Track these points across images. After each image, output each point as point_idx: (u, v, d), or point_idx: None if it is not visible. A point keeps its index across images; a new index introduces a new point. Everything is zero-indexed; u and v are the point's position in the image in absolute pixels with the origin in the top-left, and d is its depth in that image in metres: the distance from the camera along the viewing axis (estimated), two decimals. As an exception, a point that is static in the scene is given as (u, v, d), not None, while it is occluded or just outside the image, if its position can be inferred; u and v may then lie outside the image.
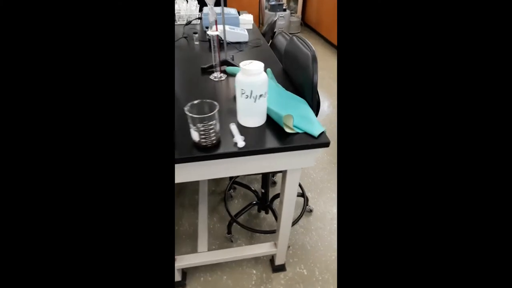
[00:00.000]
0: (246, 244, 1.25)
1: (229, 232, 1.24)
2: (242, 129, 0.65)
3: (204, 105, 0.58)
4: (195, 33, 1.22)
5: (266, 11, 3.72)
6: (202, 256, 1.03)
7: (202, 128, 0.55)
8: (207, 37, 1.23)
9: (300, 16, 4.05)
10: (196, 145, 0.59)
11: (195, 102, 0.57)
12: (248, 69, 0.57)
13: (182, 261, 1.00)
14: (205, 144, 0.58)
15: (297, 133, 0.64)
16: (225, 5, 2.77)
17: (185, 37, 1.27)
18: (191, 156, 0.58)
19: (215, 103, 0.57)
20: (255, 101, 0.61)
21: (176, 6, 1.47)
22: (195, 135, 0.57)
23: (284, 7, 3.72)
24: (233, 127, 0.64)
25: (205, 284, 1.10)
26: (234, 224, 1.28)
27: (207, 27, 1.27)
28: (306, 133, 0.64)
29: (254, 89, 0.59)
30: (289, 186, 0.76)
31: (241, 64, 0.59)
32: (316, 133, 0.62)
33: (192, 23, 1.43)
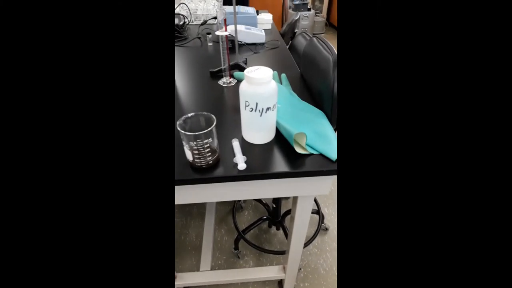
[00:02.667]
0: (253, 261, 1.16)
1: (236, 247, 1.15)
2: (247, 146, 0.56)
3: (200, 118, 0.49)
4: (209, 33, 1.14)
5: (290, 10, 3.60)
6: (205, 275, 0.95)
7: (195, 147, 0.47)
8: (222, 37, 1.15)
9: (325, 16, 3.87)
10: (191, 165, 0.51)
11: (189, 115, 0.49)
12: (252, 77, 0.48)
13: (182, 280, 0.93)
14: (199, 164, 0.49)
15: (311, 154, 0.53)
16: (247, 4, 2.69)
17: (199, 38, 1.20)
18: (184, 178, 0.49)
19: (213, 117, 0.48)
20: (261, 115, 0.51)
21: (193, 5, 1.41)
22: (188, 154, 0.49)
23: (308, 7, 3.57)
24: (235, 144, 0.55)
25: (207, 304, 1.03)
26: (242, 239, 1.19)
27: (222, 27, 1.19)
28: (321, 155, 0.53)
29: (260, 101, 0.50)
30: (301, 212, 0.66)
31: (246, 71, 0.49)
32: (334, 155, 0.51)
33: (208, 23, 1.36)
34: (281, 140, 0.57)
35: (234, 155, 0.53)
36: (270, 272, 0.95)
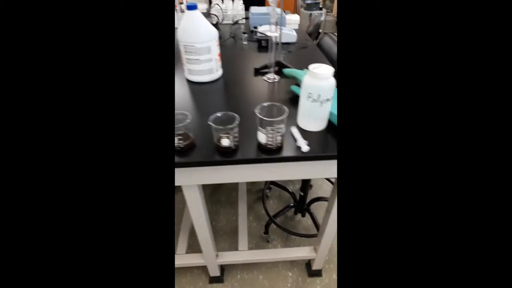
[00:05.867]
0: (281, 245, 1.25)
1: (266, 232, 1.25)
2: (303, 133, 0.65)
3: (273, 108, 0.58)
4: (245, 33, 1.23)
5: (302, 9, 3.67)
6: (243, 254, 1.04)
7: (271, 131, 0.55)
8: (255, 37, 1.24)
9: (335, 15, 3.94)
10: (261, 147, 0.60)
11: (265, 104, 0.57)
12: (318, 72, 0.57)
13: (223, 258, 1.02)
14: (270, 146, 0.58)
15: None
16: (263, 5, 2.75)
17: (232, 37, 1.29)
18: (256, 158, 0.58)
19: (284, 107, 0.57)
20: (321, 105, 0.60)
21: (223, 6, 1.49)
22: (262, 137, 0.57)
23: (320, 6, 3.64)
24: (295, 131, 0.64)
25: (242, 282, 1.12)
26: (271, 224, 1.28)
27: (255, 27, 1.27)
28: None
29: (322, 93, 0.58)
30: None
31: (310, 67, 0.58)
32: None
33: (238, 22, 1.45)
34: (331, 129, 0.66)
35: (294, 141, 0.62)
36: (303, 252, 1.04)
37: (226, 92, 0.85)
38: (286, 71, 0.80)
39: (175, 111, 0.58)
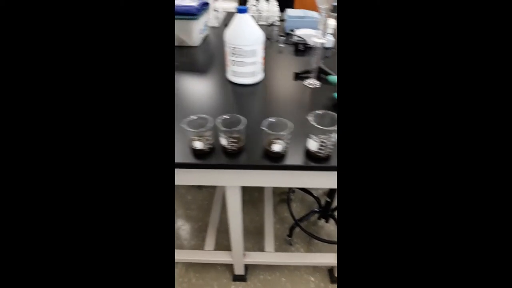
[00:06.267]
0: (304, 249, 1.25)
1: (290, 235, 1.25)
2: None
3: (325, 116, 0.58)
4: (282, 35, 1.23)
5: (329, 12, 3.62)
6: (270, 255, 1.05)
7: (324, 140, 0.56)
8: (291, 40, 1.24)
9: (363, 19, 3.87)
10: (310, 155, 0.60)
11: (320, 112, 0.58)
12: (375, 84, 0.56)
13: (250, 257, 1.03)
14: (320, 154, 0.58)
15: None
16: (292, 7, 2.74)
17: (269, 39, 1.29)
18: (305, 165, 0.59)
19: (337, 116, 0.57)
20: (373, 117, 0.60)
21: (259, 6, 1.49)
22: (313, 145, 0.58)
23: (347, 9, 3.59)
24: (343, 140, 0.64)
25: (264, 283, 1.13)
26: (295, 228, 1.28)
27: (291, 30, 1.27)
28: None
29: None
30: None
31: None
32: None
33: (273, 24, 1.45)
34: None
35: (342, 149, 0.62)
36: (329, 258, 1.04)
37: (268, 96, 0.86)
38: (331, 78, 0.80)
39: (228, 114, 0.59)
